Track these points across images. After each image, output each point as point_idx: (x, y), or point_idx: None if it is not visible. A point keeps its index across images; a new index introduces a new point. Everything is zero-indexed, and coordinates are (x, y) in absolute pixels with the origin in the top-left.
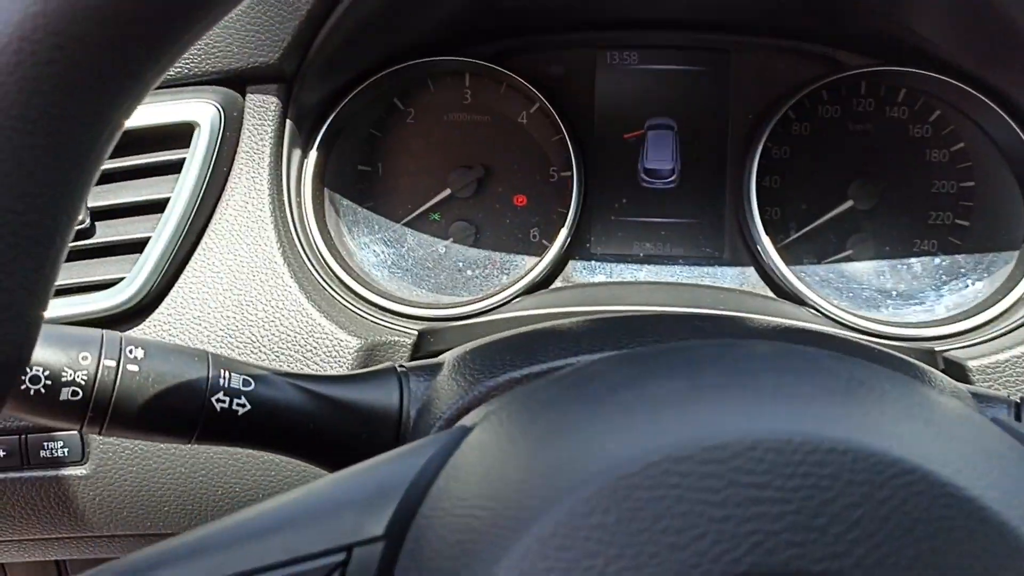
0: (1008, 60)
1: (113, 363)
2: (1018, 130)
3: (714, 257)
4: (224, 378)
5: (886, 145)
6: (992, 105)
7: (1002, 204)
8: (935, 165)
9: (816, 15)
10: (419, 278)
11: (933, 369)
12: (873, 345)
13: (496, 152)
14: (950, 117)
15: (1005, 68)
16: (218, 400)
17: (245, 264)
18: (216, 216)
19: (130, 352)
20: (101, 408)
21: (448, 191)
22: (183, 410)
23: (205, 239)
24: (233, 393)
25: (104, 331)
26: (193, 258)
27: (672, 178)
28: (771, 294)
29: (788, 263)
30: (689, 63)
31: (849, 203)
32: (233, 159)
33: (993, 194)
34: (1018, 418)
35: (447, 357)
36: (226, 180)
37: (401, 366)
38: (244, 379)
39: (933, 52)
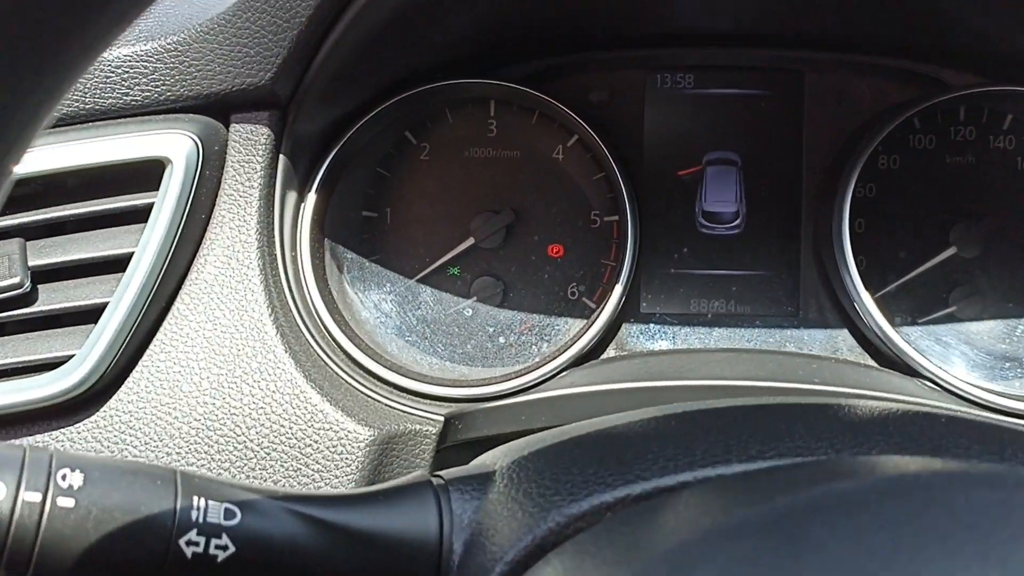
0: None
1: (37, 497)
2: None
3: (796, 315)
4: (198, 509)
5: (991, 180)
6: None
7: None
8: None
9: (910, 25)
10: (440, 347)
11: None
12: None
13: (527, 194)
14: None
15: None
16: (189, 543)
17: (228, 335)
18: (191, 276)
19: (63, 478)
20: (18, 563)
21: (471, 241)
22: (138, 561)
23: (177, 305)
24: (211, 531)
25: (28, 448)
26: (161, 330)
27: (736, 222)
28: (871, 362)
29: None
30: (754, 86)
31: (951, 250)
32: (214, 204)
33: None
34: None
35: (498, 463)
36: (204, 230)
37: (437, 476)
38: (226, 508)
39: None
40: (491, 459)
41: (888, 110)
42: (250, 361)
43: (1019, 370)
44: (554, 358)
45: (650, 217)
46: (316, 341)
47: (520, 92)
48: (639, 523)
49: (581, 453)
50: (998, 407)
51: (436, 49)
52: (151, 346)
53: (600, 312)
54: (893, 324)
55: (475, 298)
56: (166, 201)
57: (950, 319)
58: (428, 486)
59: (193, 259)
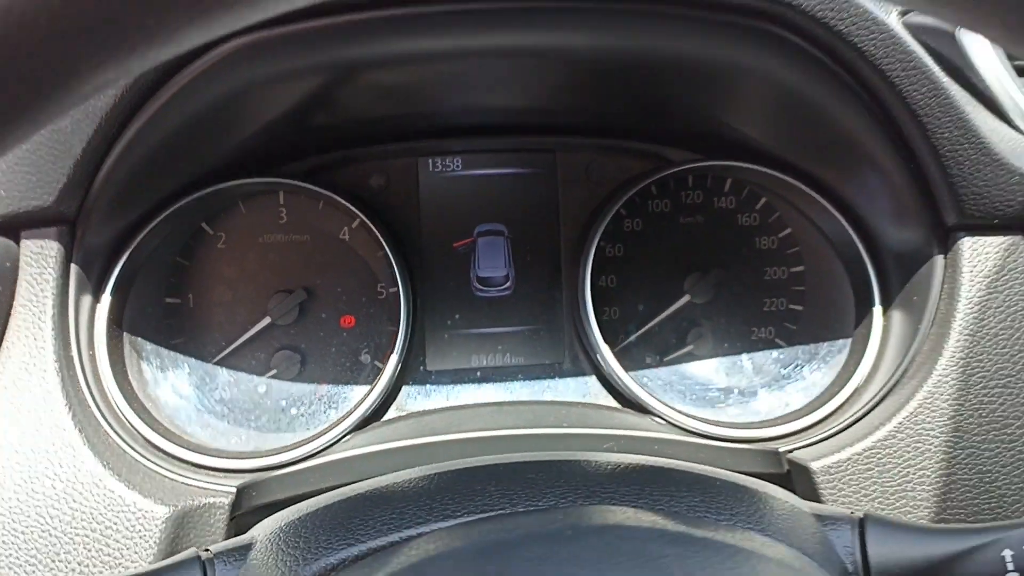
0: (830, 156)
1: None
2: (840, 219)
3: (555, 366)
4: None
5: (717, 235)
6: (814, 195)
7: (832, 289)
8: (765, 252)
9: (638, 115)
10: (237, 423)
11: (776, 494)
12: (718, 477)
13: (318, 272)
14: (775, 204)
15: (826, 163)
16: None
17: (30, 436)
18: None
19: None
20: None
21: (268, 320)
22: None
23: None
24: None
25: None
26: None
27: (507, 285)
28: (615, 403)
29: (628, 368)
30: (515, 165)
31: (686, 298)
32: (8, 319)
33: (823, 278)
34: (863, 535)
35: (257, 534)
36: (0, 341)
37: (206, 550)
38: None
39: (753, 145)
40: (257, 530)
41: (628, 181)
42: (50, 459)
43: (731, 399)
44: (338, 423)
45: (430, 285)
46: (115, 431)
47: (304, 187)
48: None
49: (317, 523)
50: (710, 434)
51: (220, 157)
52: None
53: (380, 376)
54: (630, 368)
55: (275, 371)
56: None
57: (689, 358)
58: (195, 561)
59: None
